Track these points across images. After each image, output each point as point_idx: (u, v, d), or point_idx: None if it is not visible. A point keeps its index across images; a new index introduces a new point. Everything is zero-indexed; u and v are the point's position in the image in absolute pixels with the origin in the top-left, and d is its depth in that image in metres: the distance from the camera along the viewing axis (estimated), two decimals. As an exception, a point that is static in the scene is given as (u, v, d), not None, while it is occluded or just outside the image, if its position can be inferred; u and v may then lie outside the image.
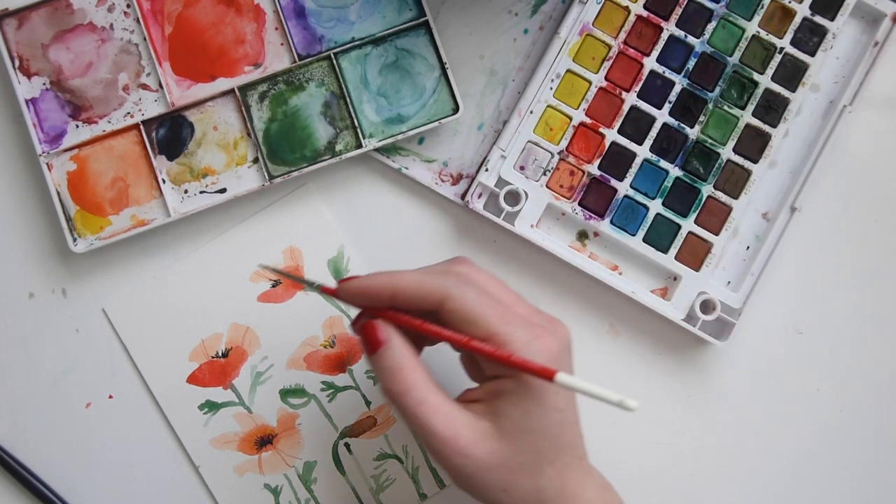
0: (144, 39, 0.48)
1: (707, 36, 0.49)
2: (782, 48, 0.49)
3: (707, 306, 0.49)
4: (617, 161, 0.49)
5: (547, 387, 0.37)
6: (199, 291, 0.49)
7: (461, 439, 0.37)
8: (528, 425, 0.37)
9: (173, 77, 0.49)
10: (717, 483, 0.50)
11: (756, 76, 0.49)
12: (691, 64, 0.49)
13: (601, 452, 0.50)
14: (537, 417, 0.37)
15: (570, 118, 0.49)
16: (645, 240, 0.49)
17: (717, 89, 0.49)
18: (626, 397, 0.31)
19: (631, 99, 0.49)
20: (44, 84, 0.48)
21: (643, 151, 0.49)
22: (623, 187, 0.49)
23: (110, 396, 0.49)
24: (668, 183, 0.49)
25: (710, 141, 0.49)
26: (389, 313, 0.38)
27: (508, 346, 0.37)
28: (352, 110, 0.49)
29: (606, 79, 0.49)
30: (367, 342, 0.38)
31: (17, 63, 0.48)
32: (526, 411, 0.37)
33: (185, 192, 0.48)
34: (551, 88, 0.49)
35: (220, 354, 0.49)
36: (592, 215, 0.49)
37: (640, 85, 0.49)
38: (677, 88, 0.49)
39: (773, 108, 0.49)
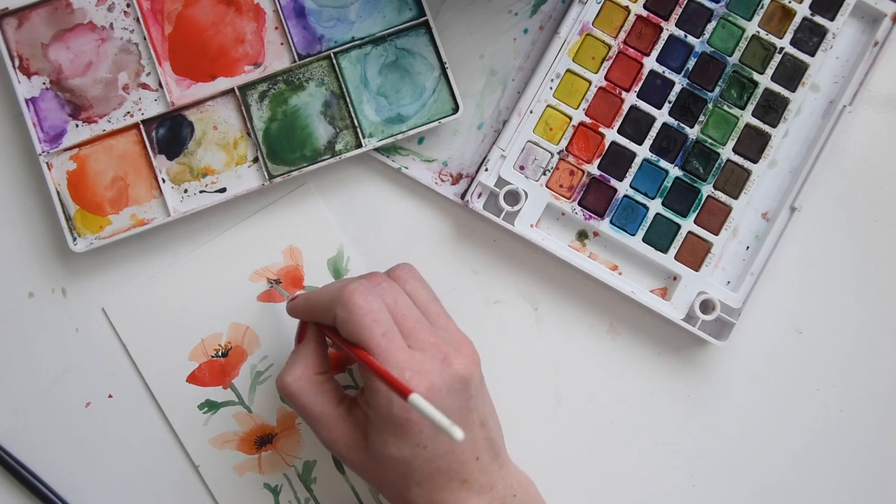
0: (144, 39, 0.48)
1: (707, 36, 0.49)
2: (782, 48, 0.49)
3: (707, 306, 0.49)
4: (617, 161, 0.49)
5: (409, 423, 0.39)
6: (199, 291, 0.49)
7: (338, 444, 0.41)
8: (388, 453, 0.40)
9: (173, 76, 0.49)
10: (717, 482, 0.50)
11: (756, 76, 0.49)
12: (691, 64, 0.49)
13: (601, 452, 0.50)
14: (397, 449, 0.39)
15: (570, 118, 0.49)
16: (645, 240, 0.49)
17: (717, 89, 0.49)
18: (454, 426, 0.34)
19: (631, 99, 0.49)
20: (44, 83, 0.48)
21: (643, 151, 0.49)
22: (623, 187, 0.49)
23: (110, 396, 0.49)
24: (668, 183, 0.49)
25: (709, 141, 0.49)
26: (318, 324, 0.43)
27: (384, 366, 0.38)
28: (352, 110, 0.49)
29: (606, 79, 0.49)
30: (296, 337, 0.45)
31: (16, 62, 0.48)
32: (384, 441, 0.40)
33: (185, 191, 0.48)
34: (551, 88, 0.49)
35: (219, 354, 0.49)
36: (592, 215, 0.49)
37: (639, 85, 0.49)
38: (677, 88, 0.49)
39: (772, 108, 0.49)
